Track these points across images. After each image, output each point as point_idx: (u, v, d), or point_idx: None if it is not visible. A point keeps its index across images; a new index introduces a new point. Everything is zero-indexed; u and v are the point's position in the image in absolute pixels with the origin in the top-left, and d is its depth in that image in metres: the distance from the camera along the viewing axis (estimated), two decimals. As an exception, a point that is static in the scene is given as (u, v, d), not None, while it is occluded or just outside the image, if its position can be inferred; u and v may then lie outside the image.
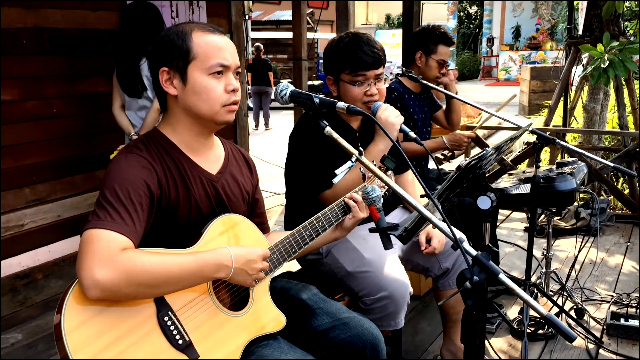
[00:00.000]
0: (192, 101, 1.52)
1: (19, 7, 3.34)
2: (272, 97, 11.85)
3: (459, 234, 1.33)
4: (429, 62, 3.17)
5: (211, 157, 1.65)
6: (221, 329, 1.49)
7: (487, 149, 1.99)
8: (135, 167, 1.45)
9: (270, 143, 10.04)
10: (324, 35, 18.10)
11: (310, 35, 6.12)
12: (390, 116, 2.15)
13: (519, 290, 1.23)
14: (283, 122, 12.50)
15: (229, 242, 1.58)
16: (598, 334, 2.89)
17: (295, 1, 5.81)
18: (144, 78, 3.26)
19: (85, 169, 3.81)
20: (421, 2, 6.09)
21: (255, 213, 1.81)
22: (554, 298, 3.02)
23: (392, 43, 18.44)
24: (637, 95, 5.28)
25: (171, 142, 1.56)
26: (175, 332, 1.39)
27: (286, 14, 17.94)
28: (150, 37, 3.23)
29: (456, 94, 3.19)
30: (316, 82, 15.07)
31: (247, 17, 5.35)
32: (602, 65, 4.01)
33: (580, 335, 2.85)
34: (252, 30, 15.58)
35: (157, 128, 1.59)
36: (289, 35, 12.05)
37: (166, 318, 1.39)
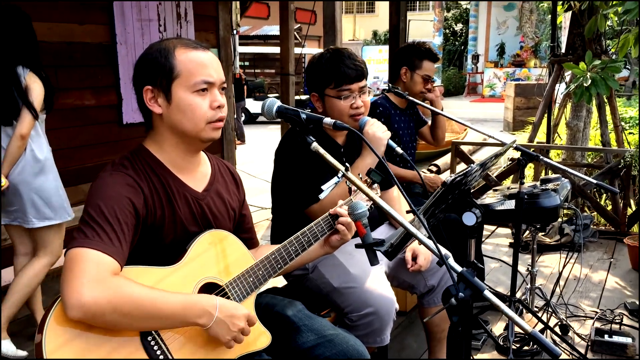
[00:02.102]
0: (177, 119, 1.50)
1: (5, 20, 3.32)
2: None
3: (444, 251, 1.34)
4: (414, 77, 3.20)
5: (197, 174, 1.64)
6: (206, 348, 1.47)
7: (472, 165, 2.01)
8: (121, 185, 1.43)
9: (256, 157, 10.03)
10: (312, 51, 18.20)
11: (297, 50, 6.14)
12: (378, 131, 2.17)
13: (504, 307, 1.23)
14: (270, 136, 12.51)
15: (214, 258, 1.56)
16: (583, 350, 2.90)
17: (283, 17, 5.85)
18: (15, 94, 2.76)
19: (70, 182, 3.77)
20: (407, 19, 6.16)
21: (244, 228, 1.80)
22: (539, 314, 3.03)
23: (378, 59, 18.61)
24: (619, 112, 5.36)
25: (157, 160, 1.54)
26: (159, 353, 1.38)
27: (274, 29, 18.03)
28: (25, 43, 2.84)
29: (442, 110, 3.21)
30: (303, 97, 15.12)
31: (234, 31, 5.36)
32: (585, 84, 4.07)
33: (565, 351, 2.86)
34: (240, 44, 15.62)
35: (144, 145, 1.57)
36: (276, 50, 12.11)
37: (150, 338, 1.38)
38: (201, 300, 1.41)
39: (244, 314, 1.48)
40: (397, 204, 2.49)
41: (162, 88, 1.49)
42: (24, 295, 2.93)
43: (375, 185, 1.89)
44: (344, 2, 24.41)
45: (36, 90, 2.82)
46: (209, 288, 1.52)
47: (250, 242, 1.80)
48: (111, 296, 1.25)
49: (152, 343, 1.37)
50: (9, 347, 2.94)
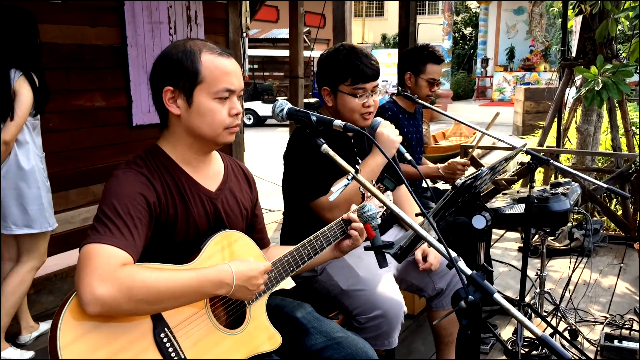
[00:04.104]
0: (196, 122, 1.52)
1: (18, 22, 3.35)
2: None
3: (454, 254, 1.34)
4: (418, 82, 3.18)
5: (210, 173, 1.65)
6: (217, 347, 1.48)
7: (482, 168, 2.01)
8: (134, 182, 1.45)
9: (265, 159, 10.05)
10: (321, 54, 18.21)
11: (306, 53, 6.17)
12: (391, 134, 2.17)
13: (514, 310, 1.23)
14: (278, 138, 12.53)
15: (228, 258, 1.57)
16: (592, 356, 2.88)
17: (293, 20, 5.86)
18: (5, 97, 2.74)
19: (80, 183, 3.80)
20: (417, 22, 6.15)
21: (255, 229, 1.81)
22: (548, 319, 3.01)
23: (387, 62, 18.56)
24: (630, 117, 5.33)
25: (170, 159, 1.56)
26: (170, 350, 1.38)
27: (283, 32, 18.06)
28: (21, 45, 2.81)
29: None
30: (312, 100, 15.14)
31: (244, 34, 5.39)
32: (596, 88, 4.05)
33: (575, 356, 2.84)
34: (249, 47, 15.68)
35: (157, 144, 1.59)
36: (285, 53, 12.13)
37: (162, 335, 1.39)
38: (215, 273, 1.42)
39: (260, 270, 1.51)
40: (407, 203, 2.48)
41: (184, 90, 1.50)
42: (13, 303, 2.88)
43: (388, 192, 1.88)
44: (353, 5, 24.44)
45: (22, 96, 2.75)
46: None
47: (262, 242, 1.81)
48: (124, 286, 1.27)
49: (165, 340, 1.38)
50: (12, 353, 2.94)
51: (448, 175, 3.17)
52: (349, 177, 1.51)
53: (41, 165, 2.94)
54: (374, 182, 1.87)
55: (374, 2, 27.80)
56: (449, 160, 3.23)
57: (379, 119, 2.24)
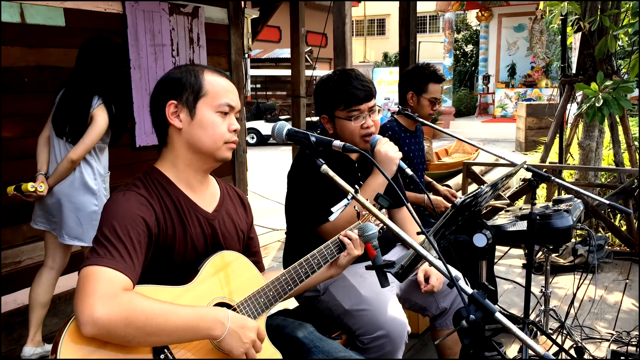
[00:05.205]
0: (198, 135, 1.56)
1: (23, 47, 3.40)
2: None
3: (455, 272, 1.34)
4: (420, 101, 3.21)
5: (207, 195, 1.67)
6: (217, 368, 1.48)
7: (482, 186, 2.01)
8: (133, 204, 1.46)
9: (268, 179, 10.07)
10: (323, 73, 18.30)
11: (308, 72, 6.22)
12: (390, 151, 2.18)
13: (515, 329, 1.23)
14: (281, 158, 12.57)
15: (225, 279, 1.58)
16: (599, 373, 2.86)
17: (294, 40, 5.91)
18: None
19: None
20: (418, 41, 6.20)
21: (250, 252, 1.82)
22: (554, 336, 2.99)
23: (389, 80, 18.66)
24: (632, 132, 5.33)
25: (169, 180, 1.58)
26: (170, 372, 1.38)
27: (285, 52, 18.22)
28: (107, 75, 3.05)
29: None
30: (314, 119, 15.21)
31: (246, 55, 5.45)
32: (597, 104, 4.06)
33: (581, 374, 2.81)
34: (252, 67, 15.80)
35: (155, 165, 1.61)
36: (288, 72, 12.21)
37: (162, 356, 1.39)
38: (212, 312, 1.43)
39: (255, 326, 1.50)
40: (409, 223, 2.48)
41: (187, 104, 1.56)
42: None
43: (383, 210, 1.89)
44: (354, 25, 24.66)
45: (97, 122, 2.97)
46: (221, 309, 1.53)
47: (257, 265, 1.80)
48: (123, 311, 1.27)
49: (164, 362, 1.38)
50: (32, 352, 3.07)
51: (430, 208, 3.21)
52: (349, 197, 1.52)
53: (103, 185, 3.16)
54: (369, 200, 1.88)
55: (375, 21, 28.05)
56: (438, 198, 3.33)
57: (377, 136, 2.24)
